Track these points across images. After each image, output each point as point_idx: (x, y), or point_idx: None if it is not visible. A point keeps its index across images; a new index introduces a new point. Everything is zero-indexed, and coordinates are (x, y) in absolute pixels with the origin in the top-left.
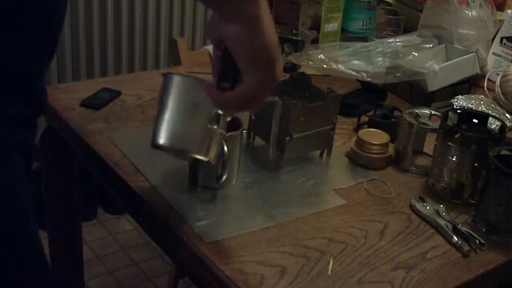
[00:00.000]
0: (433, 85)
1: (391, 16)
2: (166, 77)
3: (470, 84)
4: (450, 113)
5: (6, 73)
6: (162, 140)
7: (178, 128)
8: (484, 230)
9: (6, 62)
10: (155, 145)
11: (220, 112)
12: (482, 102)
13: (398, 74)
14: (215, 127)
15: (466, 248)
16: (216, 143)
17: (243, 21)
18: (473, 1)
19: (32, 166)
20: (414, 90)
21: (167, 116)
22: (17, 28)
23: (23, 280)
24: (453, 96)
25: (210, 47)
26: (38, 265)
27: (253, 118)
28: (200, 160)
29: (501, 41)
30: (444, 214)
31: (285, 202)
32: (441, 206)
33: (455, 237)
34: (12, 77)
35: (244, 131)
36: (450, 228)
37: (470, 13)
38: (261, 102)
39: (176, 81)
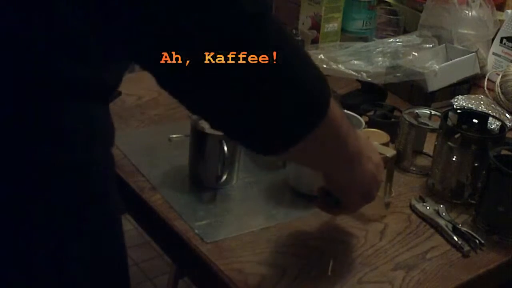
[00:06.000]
0: (433, 85)
1: (391, 16)
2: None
3: (470, 84)
4: (450, 113)
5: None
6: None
7: None
8: (484, 230)
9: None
10: None
11: None
12: (482, 102)
13: (398, 74)
14: None
15: (466, 248)
16: None
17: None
18: (473, 1)
19: None
20: (414, 90)
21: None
22: None
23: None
24: (453, 96)
25: None
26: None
27: None
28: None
29: (501, 41)
30: (444, 214)
31: (285, 202)
32: (441, 206)
33: (455, 237)
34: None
35: None
36: (450, 228)
37: (470, 13)
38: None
39: None
